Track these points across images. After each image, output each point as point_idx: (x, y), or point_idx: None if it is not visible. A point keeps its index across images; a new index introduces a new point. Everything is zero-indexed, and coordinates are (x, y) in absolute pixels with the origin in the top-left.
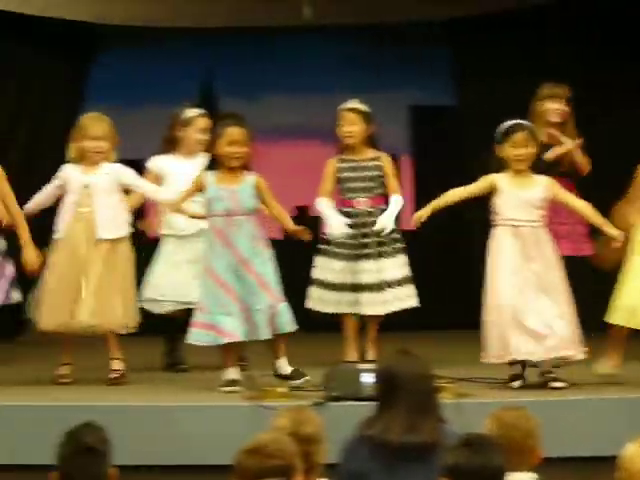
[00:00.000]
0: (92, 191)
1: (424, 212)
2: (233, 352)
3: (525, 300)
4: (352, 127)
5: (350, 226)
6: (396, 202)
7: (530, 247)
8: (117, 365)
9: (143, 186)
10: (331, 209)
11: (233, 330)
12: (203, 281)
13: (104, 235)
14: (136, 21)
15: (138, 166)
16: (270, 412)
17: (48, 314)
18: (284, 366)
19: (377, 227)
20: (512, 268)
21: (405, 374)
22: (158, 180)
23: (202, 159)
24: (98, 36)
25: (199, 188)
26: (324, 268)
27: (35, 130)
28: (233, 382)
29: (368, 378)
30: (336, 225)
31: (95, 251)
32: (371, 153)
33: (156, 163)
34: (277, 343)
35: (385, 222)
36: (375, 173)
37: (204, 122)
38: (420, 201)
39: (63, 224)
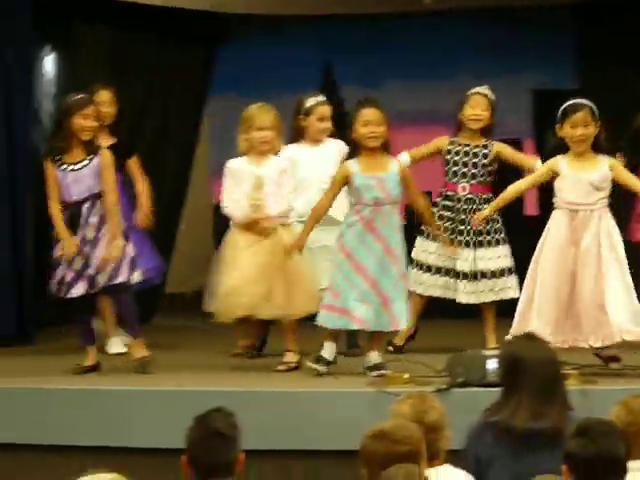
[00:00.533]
0: (264, 182)
1: (487, 212)
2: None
3: (569, 284)
4: (482, 112)
5: (450, 210)
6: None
7: (585, 230)
8: (289, 358)
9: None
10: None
11: (366, 319)
12: (339, 266)
13: (276, 224)
14: (256, 9)
15: None
16: (392, 398)
17: (229, 305)
18: (376, 358)
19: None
20: (559, 251)
21: (530, 359)
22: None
23: (328, 146)
24: (220, 26)
25: (344, 180)
26: (421, 249)
27: (162, 121)
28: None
29: (494, 364)
30: None
31: (268, 239)
32: (483, 141)
33: (286, 152)
34: (378, 335)
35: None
36: (483, 161)
37: (324, 110)
38: (542, 186)
39: (236, 215)
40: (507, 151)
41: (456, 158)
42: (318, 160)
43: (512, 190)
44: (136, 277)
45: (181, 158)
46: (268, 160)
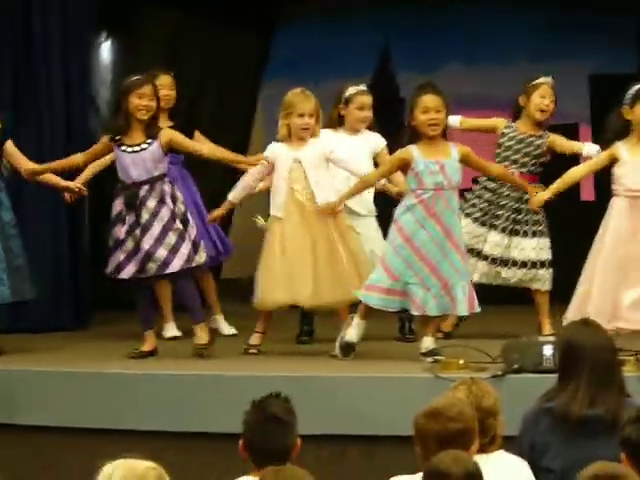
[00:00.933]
0: (304, 166)
1: (547, 195)
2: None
3: (628, 272)
4: (550, 103)
5: (491, 192)
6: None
7: None
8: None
9: (348, 163)
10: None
11: (425, 304)
12: (397, 249)
13: (319, 209)
14: None
15: None
16: (447, 384)
17: (270, 293)
18: (431, 343)
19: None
20: (618, 240)
21: (587, 345)
22: None
23: (365, 138)
24: (276, 10)
25: (400, 162)
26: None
27: (218, 105)
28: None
29: (550, 350)
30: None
31: (314, 225)
32: (540, 131)
33: (324, 137)
34: (434, 321)
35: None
36: (536, 152)
37: (365, 99)
38: (599, 172)
39: (278, 202)
40: (559, 142)
41: (509, 143)
42: (354, 150)
43: (572, 175)
44: (198, 259)
45: (236, 144)
46: (307, 145)
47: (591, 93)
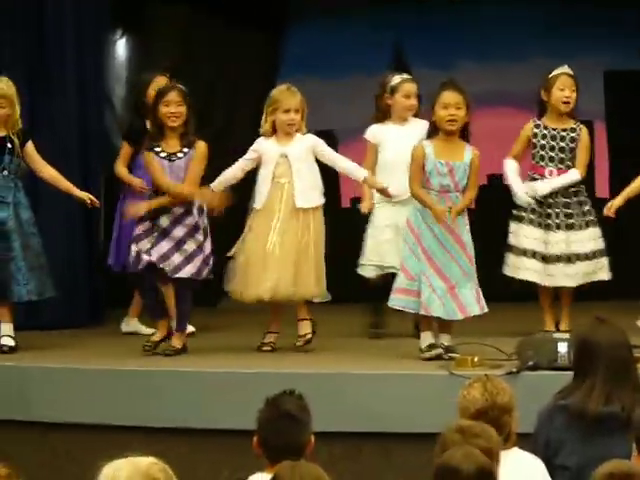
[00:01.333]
0: (290, 161)
1: (618, 201)
2: (431, 318)
3: None
4: (572, 93)
5: (552, 195)
6: (570, 176)
7: None
8: (305, 329)
9: (336, 159)
10: (515, 174)
11: (428, 303)
12: (413, 249)
13: (302, 204)
14: None
15: (330, 136)
16: (461, 381)
17: (247, 285)
18: (447, 340)
19: (530, 191)
20: None
21: (602, 342)
22: (376, 149)
23: (413, 125)
24: (289, 7)
25: (420, 160)
26: (517, 234)
27: (231, 104)
28: (431, 346)
29: (565, 347)
30: (517, 193)
31: (292, 220)
32: (571, 123)
33: (372, 133)
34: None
35: (540, 187)
36: (571, 145)
37: (410, 87)
38: (614, 169)
39: (261, 195)
40: (585, 139)
41: (543, 142)
42: (405, 139)
43: None
44: (206, 274)
45: (250, 141)
46: (294, 139)
47: (606, 90)
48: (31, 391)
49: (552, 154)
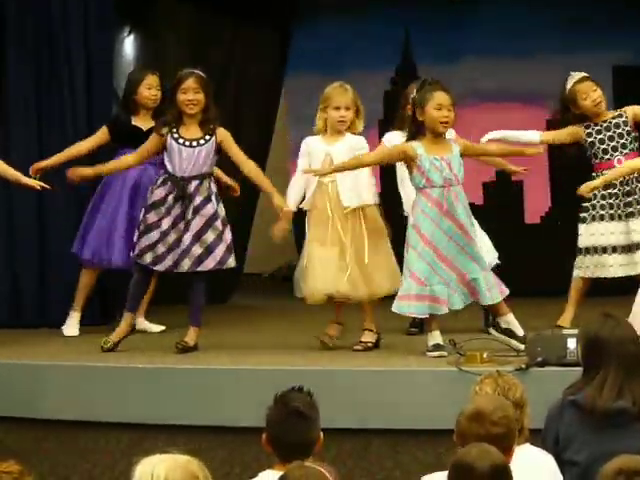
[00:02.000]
0: (334, 160)
1: (596, 183)
2: (438, 317)
3: None
4: (597, 93)
5: (612, 187)
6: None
7: None
8: (367, 337)
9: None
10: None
11: (450, 300)
12: (422, 254)
13: (348, 203)
14: None
15: None
16: (471, 377)
17: (313, 288)
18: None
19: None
20: None
21: (612, 338)
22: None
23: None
24: (298, 4)
25: (405, 157)
26: (592, 233)
27: (239, 100)
28: (438, 347)
29: (574, 344)
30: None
31: (343, 220)
32: (614, 113)
33: (390, 139)
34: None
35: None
36: (627, 128)
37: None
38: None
39: (310, 195)
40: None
41: (600, 136)
42: None
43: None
44: (231, 263)
45: (259, 138)
46: (342, 139)
47: (614, 84)
48: (41, 388)
49: (614, 144)
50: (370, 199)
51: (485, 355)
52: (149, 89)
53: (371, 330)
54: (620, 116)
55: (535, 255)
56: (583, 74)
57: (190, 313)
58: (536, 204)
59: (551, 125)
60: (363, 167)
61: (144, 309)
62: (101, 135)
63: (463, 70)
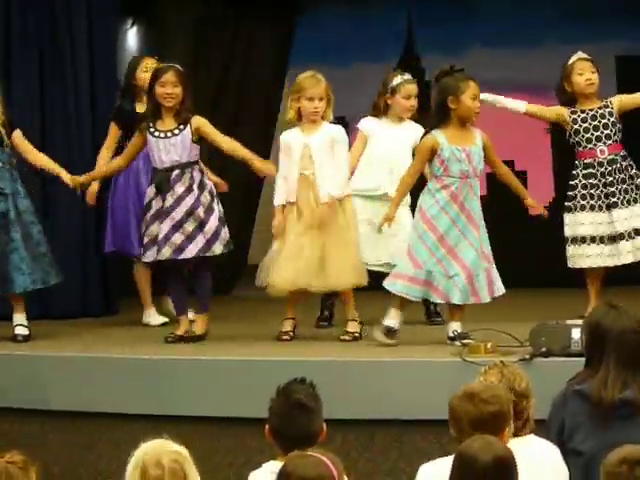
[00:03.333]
0: (312, 151)
1: None
2: (408, 301)
3: None
4: (593, 75)
5: (593, 177)
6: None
7: None
8: (353, 327)
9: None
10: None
11: (447, 291)
12: (422, 237)
13: (326, 195)
14: None
15: (344, 124)
16: (474, 368)
17: (281, 278)
18: (458, 327)
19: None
20: None
21: (614, 328)
22: (365, 141)
23: (406, 128)
24: None
25: (430, 152)
26: (574, 224)
27: (242, 94)
28: (390, 331)
29: (578, 334)
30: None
31: (320, 211)
32: (602, 101)
33: (366, 124)
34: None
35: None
36: (611, 119)
37: (411, 88)
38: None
39: (291, 188)
40: (626, 99)
41: (585, 125)
42: (394, 140)
43: None
44: (217, 250)
45: (262, 130)
46: (318, 129)
47: (618, 74)
48: (46, 380)
49: (597, 133)
50: (345, 191)
51: (489, 346)
52: (146, 72)
53: (355, 320)
54: (606, 106)
55: (538, 246)
56: (587, 56)
57: (197, 303)
58: (540, 194)
59: None
60: (412, 183)
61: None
62: (112, 133)
63: (467, 61)
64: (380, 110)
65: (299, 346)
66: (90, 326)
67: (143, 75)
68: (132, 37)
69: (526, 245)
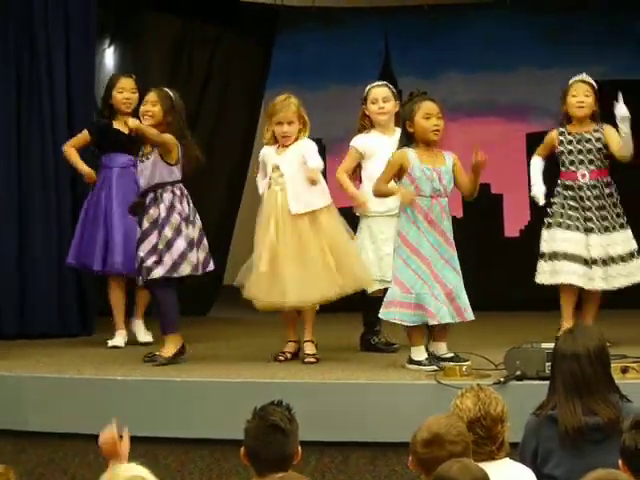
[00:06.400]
0: (283, 171)
1: None
2: (422, 330)
3: None
4: (585, 98)
5: (574, 199)
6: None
7: None
8: (312, 349)
9: (313, 162)
10: (539, 172)
11: (436, 312)
12: (407, 261)
13: (297, 210)
14: (315, 2)
15: (320, 146)
16: (451, 390)
17: (260, 295)
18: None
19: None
20: None
21: (565, 354)
22: (358, 158)
23: (396, 137)
24: (279, 18)
25: (403, 167)
26: (554, 239)
27: (220, 111)
28: (420, 363)
29: None
30: (536, 191)
31: (291, 226)
32: (594, 126)
33: (360, 143)
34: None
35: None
36: (597, 145)
37: (376, 91)
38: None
39: (262, 203)
40: (611, 137)
41: (570, 147)
42: (385, 153)
43: None
44: (183, 271)
45: (239, 149)
46: (288, 150)
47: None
48: (21, 400)
49: (581, 157)
50: (320, 203)
51: (464, 369)
52: (121, 92)
53: (312, 341)
54: (597, 131)
55: (514, 269)
56: (590, 80)
57: (161, 325)
58: (515, 218)
59: (531, 139)
60: (385, 196)
61: (142, 312)
62: (82, 136)
63: (442, 84)
64: (365, 125)
65: (274, 368)
66: (66, 346)
67: (119, 96)
68: (110, 56)
69: (501, 266)
